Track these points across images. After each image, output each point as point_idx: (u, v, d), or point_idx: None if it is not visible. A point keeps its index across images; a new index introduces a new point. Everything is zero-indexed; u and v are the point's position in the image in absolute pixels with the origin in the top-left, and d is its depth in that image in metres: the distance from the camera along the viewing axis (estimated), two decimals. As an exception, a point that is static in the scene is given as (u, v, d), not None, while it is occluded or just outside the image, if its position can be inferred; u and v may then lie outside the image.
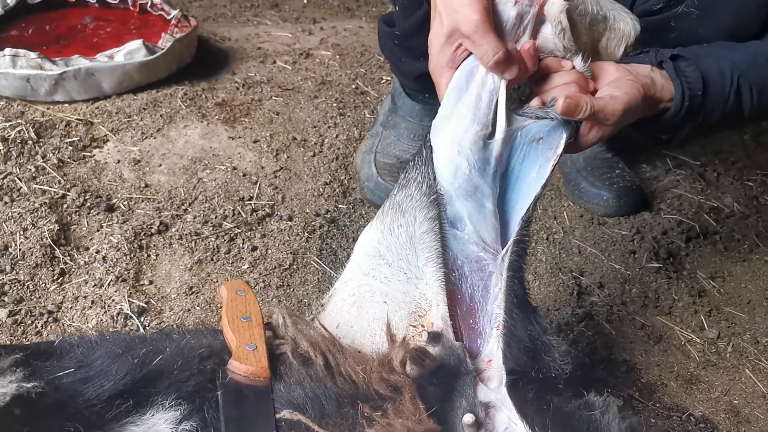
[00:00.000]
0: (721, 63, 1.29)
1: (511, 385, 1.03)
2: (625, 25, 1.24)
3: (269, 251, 1.75)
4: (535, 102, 1.23)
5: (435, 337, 1.05)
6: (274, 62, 2.54)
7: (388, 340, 1.07)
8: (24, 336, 1.47)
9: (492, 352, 1.08)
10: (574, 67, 1.21)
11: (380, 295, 1.12)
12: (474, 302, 1.13)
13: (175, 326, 1.50)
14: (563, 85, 1.19)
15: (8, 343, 1.44)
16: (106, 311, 1.54)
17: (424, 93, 1.92)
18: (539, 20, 1.18)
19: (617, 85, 1.21)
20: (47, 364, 0.94)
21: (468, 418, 0.96)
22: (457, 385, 1.01)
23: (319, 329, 1.09)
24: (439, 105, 1.94)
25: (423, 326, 1.08)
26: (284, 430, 0.94)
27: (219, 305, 1.59)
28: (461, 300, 1.13)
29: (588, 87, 1.21)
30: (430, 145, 1.17)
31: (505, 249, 1.14)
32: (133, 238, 1.70)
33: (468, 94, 1.16)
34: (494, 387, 1.04)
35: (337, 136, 2.15)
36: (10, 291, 1.54)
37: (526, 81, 1.26)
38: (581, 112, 1.16)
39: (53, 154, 1.91)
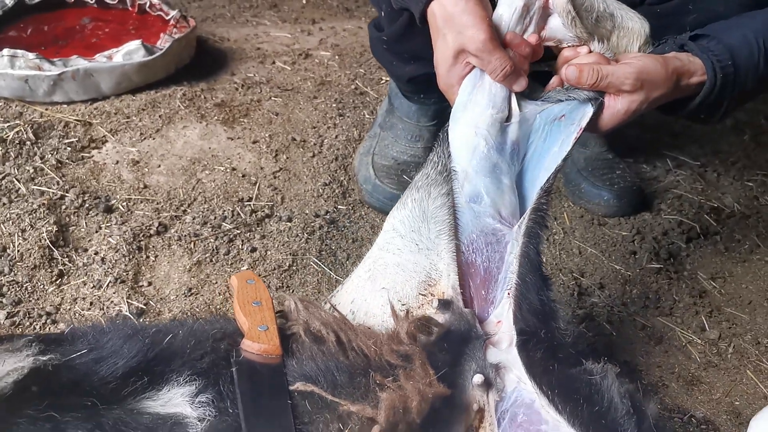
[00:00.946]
0: (744, 32, 1.28)
1: (520, 345, 1.05)
2: (634, 24, 1.26)
3: (268, 252, 1.74)
4: (554, 81, 1.25)
5: (445, 304, 1.07)
6: (273, 63, 2.54)
7: (393, 317, 1.08)
8: (22, 338, 1.46)
9: (502, 313, 1.10)
10: (591, 51, 1.23)
11: (393, 266, 1.15)
12: (489, 274, 1.15)
13: (186, 317, 1.53)
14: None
15: (6, 344, 1.44)
16: (105, 313, 1.53)
17: (419, 94, 1.91)
18: (545, 13, 1.21)
19: (634, 57, 1.23)
20: (59, 348, 0.96)
21: (477, 378, 0.98)
22: (467, 350, 1.03)
23: (330, 311, 1.12)
24: (435, 105, 1.95)
25: (433, 295, 1.11)
26: (298, 401, 0.96)
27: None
28: (475, 273, 1.15)
29: (609, 65, 1.22)
30: (447, 129, 1.21)
31: (523, 216, 1.16)
32: (131, 239, 1.69)
33: (483, 81, 1.20)
34: (504, 348, 1.06)
35: (336, 137, 2.15)
36: (9, 292, 1.54)
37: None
38: (587, 78, 1.17)
39: (52, 154, 1.91)
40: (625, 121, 1.27)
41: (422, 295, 1.12)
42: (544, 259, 1.23)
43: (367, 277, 1.17)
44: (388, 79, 2.47)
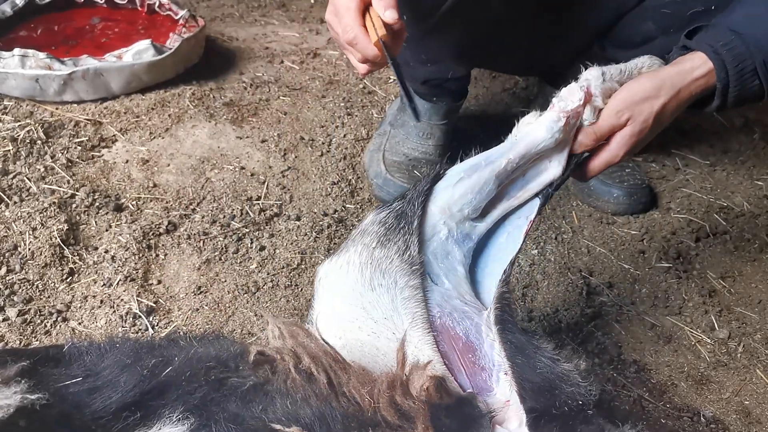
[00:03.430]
0: (746, 9, 1.28)
1: (531, 424, 0.99)
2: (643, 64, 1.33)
3: (277, 251, 1.75)
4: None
5: (439, 383, 1.00)
6: (282, 62, 2.54)
7: (399, 360, 1.02)
8: (33, 335, 1.47)
9: (507, 393, 1.06)
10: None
11: (370, 347, 1.10)
12: (470, 341, 1.13)
13: (182, 333, 1.50)
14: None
15: (18, 342, 1.45)
16: (114, 311, 1.54)
17: (432, 97, 1.93)
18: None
19: (619, 89, 1.26)
20: (54, 371, 0.93)
21: None
22: (475, 425, 0.97)
23: (318, 341, 1.08)
24: (446, 105, 1.95)
25: (432, 374, 1.05)
26: None
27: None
28: (456, 337, 1.13)
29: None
30: (419, 213, 1.19)
31: (488, 309, 1.15)
32: (141, 238, 1.70)
33: (478, 176, 1.21)
34: (514, 428, 1.01)
35: (344, 136, 2.15)
36: (20, 290, 1.55)
37: (534, 81, 1.31)
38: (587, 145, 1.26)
39: (62, 154, 1.92)
40: (640, 143, 1.30)
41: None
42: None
43: (341, 345, 1.10)
44: (395, 78, 2.48)
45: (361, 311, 1.12)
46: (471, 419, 0.97)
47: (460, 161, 1.25)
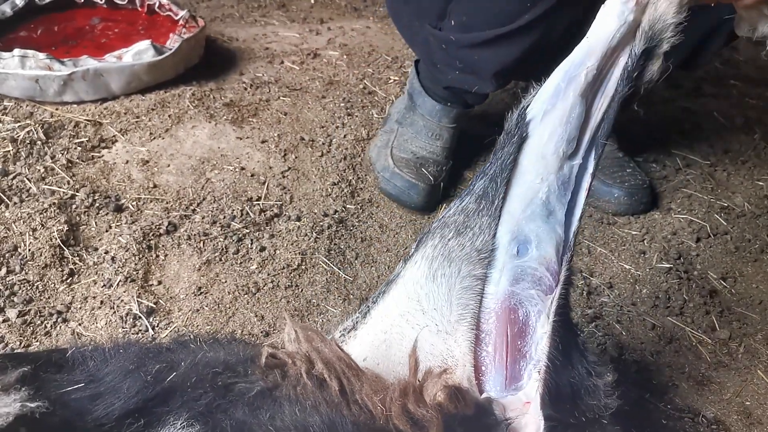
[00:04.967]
0: None
1: None
2: None
3: (277, 251, 1.75)
4: None
5: (459, 392, 0.98)
6: (282, 62, 2.54)
7: (412, 367, 1.00)
8: (33, 336, 1.47)
9: (531, 394, 1.01)
10: None
11: (409, 341, 1.06)
12: (526, 326, 1.07)
13: (192, 335, 1.48)
14: None
15: (18, 343, 1.44)
16: (115, 312, 1.53)
17: (447, 101, 1.94)
18: None
19: None
20: (56, 377, 0.92)
21: None
22: None
23: (334, 347, 1.04)
24: (457, 109, 1.95)
25: (445, 378, 1.03)
26: None
27: (227, 305, 1.59)
28: (515, 320, 1.07)
29: None
30: (503, 195, 1.08)
31: (553, 293, 1.08)
32: (141, 239, 1.70)
33: (563, 103, 1.07)
34: None
35: (345, 136, 2.15)
36: (20, 291, 1.55)
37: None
38: None
39: (62, 154, 1.92)
40: None
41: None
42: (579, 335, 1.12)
43: (383, 339, 1.10)
44: (396, 78, 2.48)
45: (415, 303, 1.09)
46: (486, 428, 0.95)
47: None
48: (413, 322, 1.08)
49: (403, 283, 1.12)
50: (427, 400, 0.94)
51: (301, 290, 1.66)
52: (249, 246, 1.74)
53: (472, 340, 1.05)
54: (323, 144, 2.11)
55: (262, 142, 2.09)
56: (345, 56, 2.63)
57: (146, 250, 1.69)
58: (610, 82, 1.10)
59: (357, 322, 1.16)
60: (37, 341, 1.46)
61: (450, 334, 1.05)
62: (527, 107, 1.09)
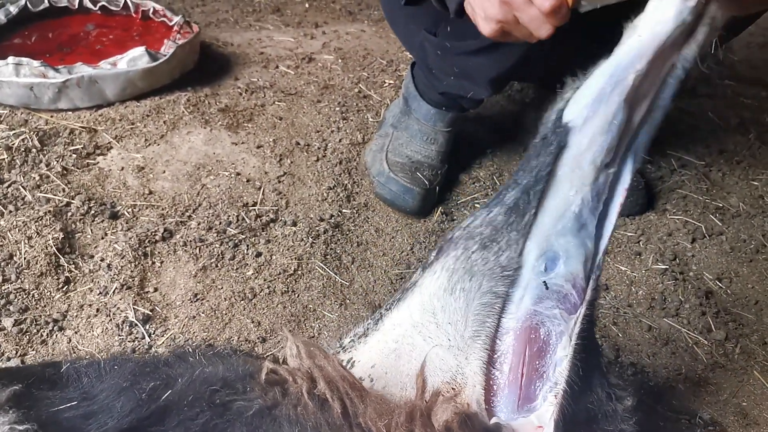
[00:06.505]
0: None
1: None
2: None
3: (274, 257, 1.75)
4: None
5: (467, 417, 0.94)
6: (277, 67, 2.54)
7: (419, 387, 0.97)
8: (29, 345, 1.47)
9: (544, 419, 0.96)
10: None
11: (419, 352, 1.03)
12: (547, 345, 1.03)
13: (191, 348, 1.47)
14: None
15: (14, 352, 1.44)
16: (111, 319, 1.53)
17: (442, 106, 1.95)
18: None
19: None
20: (49, 394, 0.90)
21: None
22: None
23: (337, 364, 1.01)
24: (452, 113, 1.95)
25: (454, 402, 1.01)
26: None
27: (224, 312, 1.59)
28: (535, 340, 1.02)
29: None
30: (534, 212, 1.03)
31: (577, 312, 1.02)
32: (137, 246, 1.70)
33: (606, 108, 1.00)
34: None
35: (340, 141, 2.15)
36: (16, 300, 1.54)
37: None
38: None
39: (57, 162, 1.92)
40: None
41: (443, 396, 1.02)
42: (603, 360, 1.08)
43: (392, 348, 1.06)
44: (391, 82, 2.48)
45: (429, 316, 1.05)
46: None
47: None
48: (425, 334, 1.04)
49: (419, 292, 1.09)
50: (435, 426, 0.91)
51: (298, 295, 1.66)
52: (245, 252, 1.74)
53: (484, 359, 1.00)
54: (319, 148, 2.11)
55: (258, 147, 2.09)
56: (340, 60, 2.63)
57: (142, 257, 1.69)
58: (655, 87, 1.02)
59: (368, 329, 1.13)
60: (33, 350, 1.46)
61: (462, 350, 1.00)
62: (563, 110, 1.02)
